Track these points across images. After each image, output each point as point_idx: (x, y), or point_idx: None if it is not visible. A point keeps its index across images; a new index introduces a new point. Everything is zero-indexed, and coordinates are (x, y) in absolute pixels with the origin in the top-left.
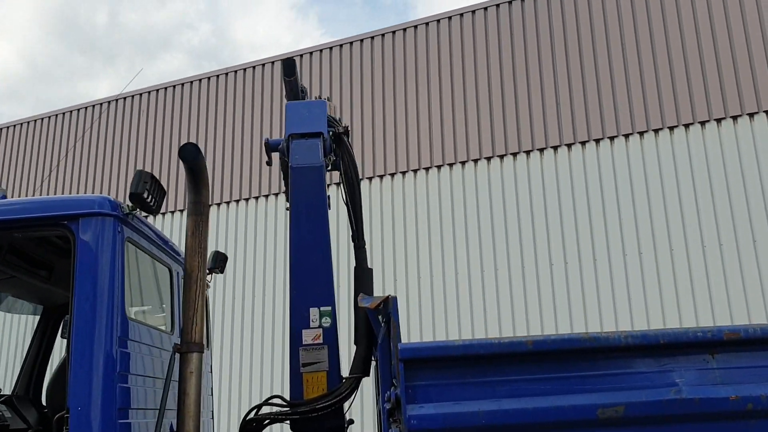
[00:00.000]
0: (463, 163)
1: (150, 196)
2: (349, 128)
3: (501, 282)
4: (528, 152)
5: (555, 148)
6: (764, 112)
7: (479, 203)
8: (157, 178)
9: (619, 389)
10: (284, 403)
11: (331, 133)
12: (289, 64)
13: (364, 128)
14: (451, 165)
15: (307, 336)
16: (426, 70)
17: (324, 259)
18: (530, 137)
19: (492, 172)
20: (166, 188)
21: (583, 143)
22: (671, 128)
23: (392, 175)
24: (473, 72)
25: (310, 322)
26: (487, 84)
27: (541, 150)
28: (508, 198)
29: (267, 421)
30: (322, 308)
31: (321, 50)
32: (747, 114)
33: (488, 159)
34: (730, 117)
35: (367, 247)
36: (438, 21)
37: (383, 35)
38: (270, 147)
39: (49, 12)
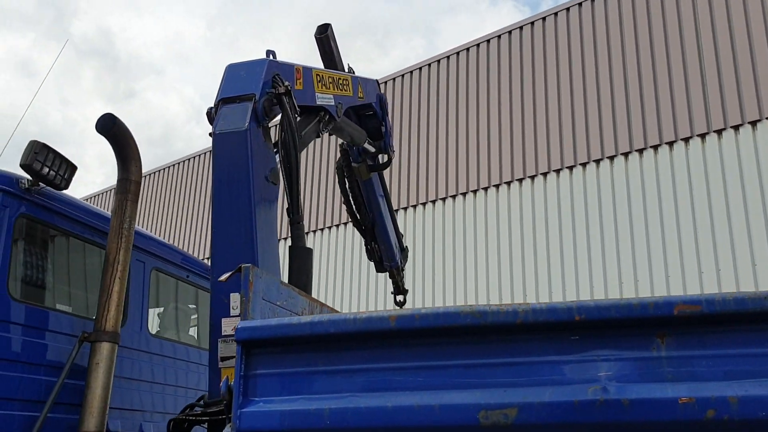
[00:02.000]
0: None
1: (49, 170)
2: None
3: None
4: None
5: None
6: None
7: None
8: (55, 149)
9: (513, 385)
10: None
11: (270, 93)
12: (322, 25)
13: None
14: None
15: (227, 326)
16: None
17: (248, 238)
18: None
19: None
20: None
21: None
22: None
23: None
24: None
25: (231, 310)
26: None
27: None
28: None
29: (186, 424)
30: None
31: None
32: None
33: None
34: None
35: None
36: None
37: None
38: (211, 118)
39: None
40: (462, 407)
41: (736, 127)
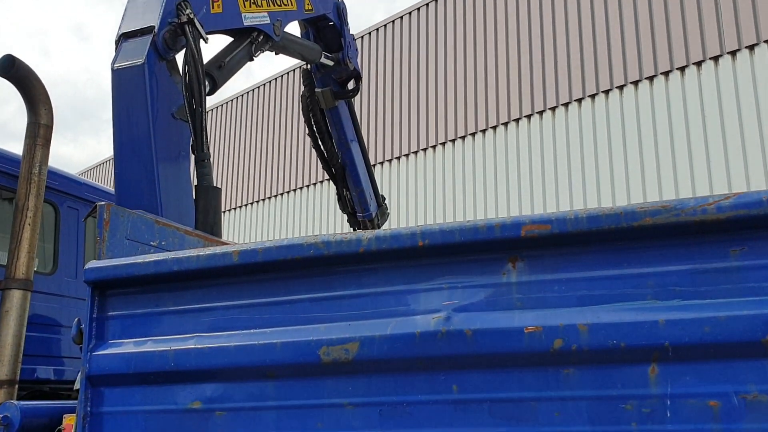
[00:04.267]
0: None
1: None
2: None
3: None
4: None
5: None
6: None
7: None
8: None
9: (357, 319)
10: None
11: (171, 24)
12: None
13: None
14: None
15: None
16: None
17: (149, 178)
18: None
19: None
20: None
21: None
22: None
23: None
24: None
25: None
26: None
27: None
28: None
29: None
30: None
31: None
32: None
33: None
34: None
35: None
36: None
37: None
38: None
39: None
40: (303, 344)
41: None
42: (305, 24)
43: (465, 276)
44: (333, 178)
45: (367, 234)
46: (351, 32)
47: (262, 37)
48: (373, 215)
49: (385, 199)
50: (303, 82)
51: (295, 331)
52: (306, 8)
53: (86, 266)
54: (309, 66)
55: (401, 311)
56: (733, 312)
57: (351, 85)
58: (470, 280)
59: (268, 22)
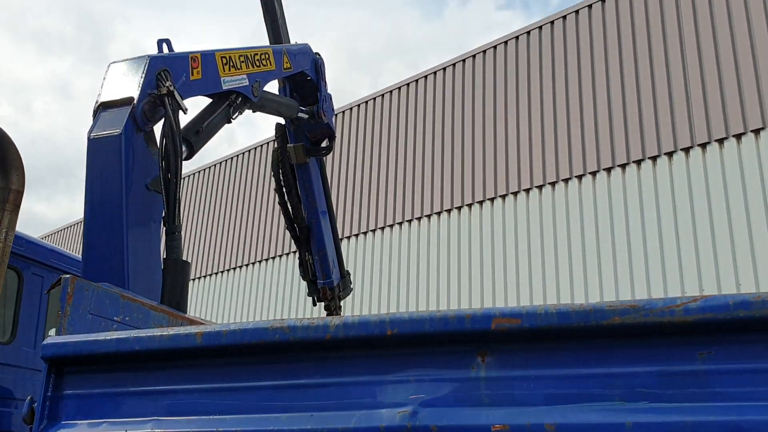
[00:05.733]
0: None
1: None
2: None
3: None
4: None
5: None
6: None
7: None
8: None
9: (321, 409)
10: None
11: (151, 95)
12: None
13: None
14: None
15: None
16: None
17: (118, 250)
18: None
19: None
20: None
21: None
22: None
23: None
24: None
25: None
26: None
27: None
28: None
29: None
30: None
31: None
32: None
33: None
34: None
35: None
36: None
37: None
38: None
39: None
40: None
41: (738, 136)
42: (283, 80)
43: (433, 368)
44: (296, 239)
45: (334, 320)
46: (328, 89)
47: (240, 99)
48: (335, 284)
49: (349, 273)
50: (275, 135)
51: (256, 419)
52: (285, 67)
53: (44, 341)
54: (283, 119)
55: (366, 403)
56: (699, 417)
57: (325, 144)
58: (438, 373)
59: (247, 84)
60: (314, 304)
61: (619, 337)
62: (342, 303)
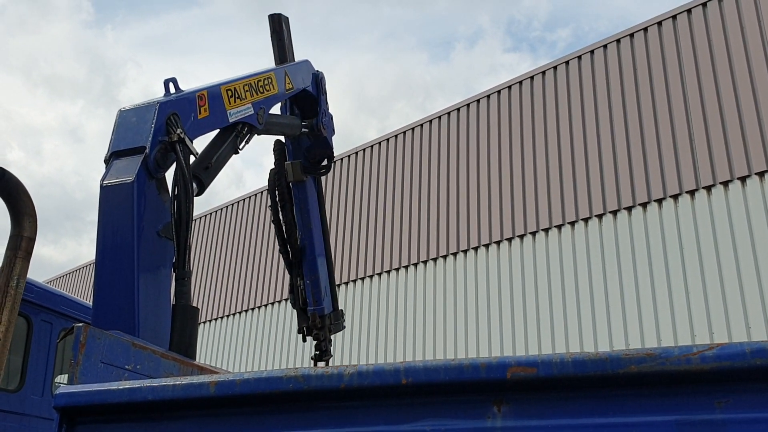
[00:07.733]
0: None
1: None
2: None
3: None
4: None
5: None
6: None
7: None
8: None
9: None
10: None
11: (162, 143)
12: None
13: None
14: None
15: None
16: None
17: (129, 298)
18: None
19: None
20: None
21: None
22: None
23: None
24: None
25: None
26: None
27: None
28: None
29: None
30: None
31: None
32: None
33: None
34: None
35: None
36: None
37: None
38: None
39: None
40: None
41: (725, 183)
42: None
43: (448, 418)
44: (288, 263)
45: (349, 369)
46: (329, 106)
47: (246, 128)
48: (326, 312)
49: (344, 313)
50: (274, 151)
51: None
52: (287, 87)
53: (57, 391)
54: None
55: None
56: None
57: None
58: (454, 422)
59: (252, 113)
60: (304, 340)
61: (635, 385)
62: (332, 337)
